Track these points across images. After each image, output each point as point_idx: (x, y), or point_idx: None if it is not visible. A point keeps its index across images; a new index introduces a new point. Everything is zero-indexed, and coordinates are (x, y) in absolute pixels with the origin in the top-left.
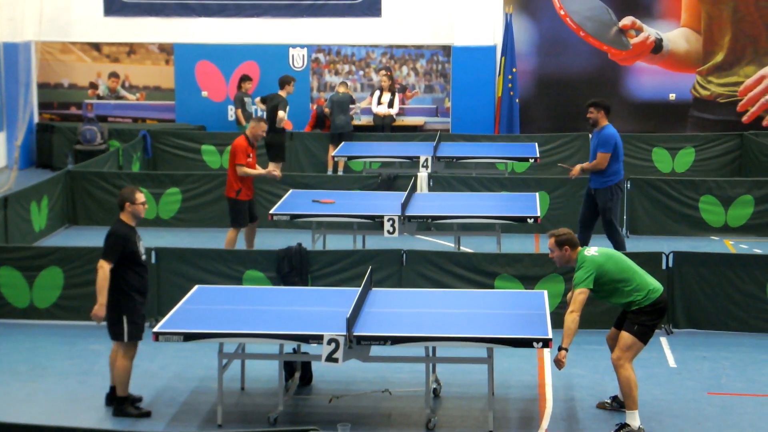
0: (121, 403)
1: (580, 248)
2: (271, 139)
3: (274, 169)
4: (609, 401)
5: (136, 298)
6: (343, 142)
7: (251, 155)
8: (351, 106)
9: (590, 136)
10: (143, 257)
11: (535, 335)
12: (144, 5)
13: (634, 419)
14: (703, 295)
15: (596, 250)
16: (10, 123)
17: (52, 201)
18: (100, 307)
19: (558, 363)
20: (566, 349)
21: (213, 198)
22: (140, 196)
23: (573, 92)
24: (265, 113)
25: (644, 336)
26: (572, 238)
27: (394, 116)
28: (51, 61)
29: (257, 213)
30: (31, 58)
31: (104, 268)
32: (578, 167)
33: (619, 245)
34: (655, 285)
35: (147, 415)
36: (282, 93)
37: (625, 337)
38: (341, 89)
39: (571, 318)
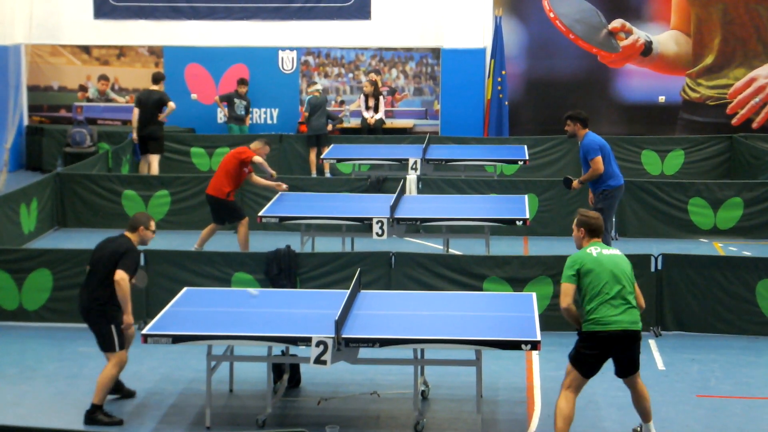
0: (93, 411)
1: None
2: (154, 132)
3: (276, 184)
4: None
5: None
6: (321, 144)
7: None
8: (339, 108)
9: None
10: None
11: (524, 338)
12: (133, 8)
13: None
14: (692, 298)
15: (596, 252)
16: (0, 125)
17: (41, 203)
18: (128, 316)
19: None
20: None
21: (202, 200)
22: (153, 224)
23: (562, 95)
24: (140, 110)
25: (579, 364)
26: None
27: (384, 119)
28: (41, 63)
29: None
30: (20, 61)
31: (126, 280)
32: (576, 182)
33: None
34: (610, 320)
35: (119, 423)
36: (158, 87)
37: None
38: (316, 92)
39: (563, 310)
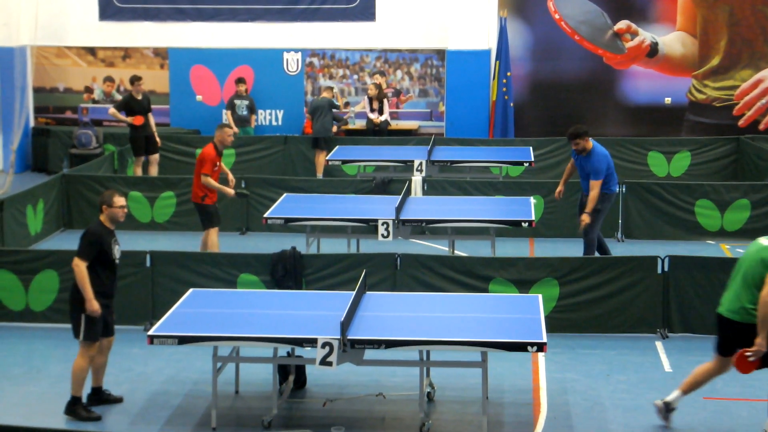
0: (73, 403)
1: None
2: (129, 134)
3: (231, 190)
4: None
5: (97, 299)
6: (321, 147)
7: (218, 165)
8: (344, 110)
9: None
10: (116, 261)
11: (530, 339)
12: (139, 10)
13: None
14: (699, 300)
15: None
16: (6, 127)
17: (47, 205)
18: (90, 302)
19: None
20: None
21: None
22: (119, 200)
23: (568, 96)
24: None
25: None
26: None
27: (389, 121)
28: (46, 65)
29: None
30: (26, 63)
31: (80, 266)
32: (585, 216)
33: (587, 250)
34: (720, 301)
35: (97, 419)
36: (132, 89)
37: None
38: (325, 94)
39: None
